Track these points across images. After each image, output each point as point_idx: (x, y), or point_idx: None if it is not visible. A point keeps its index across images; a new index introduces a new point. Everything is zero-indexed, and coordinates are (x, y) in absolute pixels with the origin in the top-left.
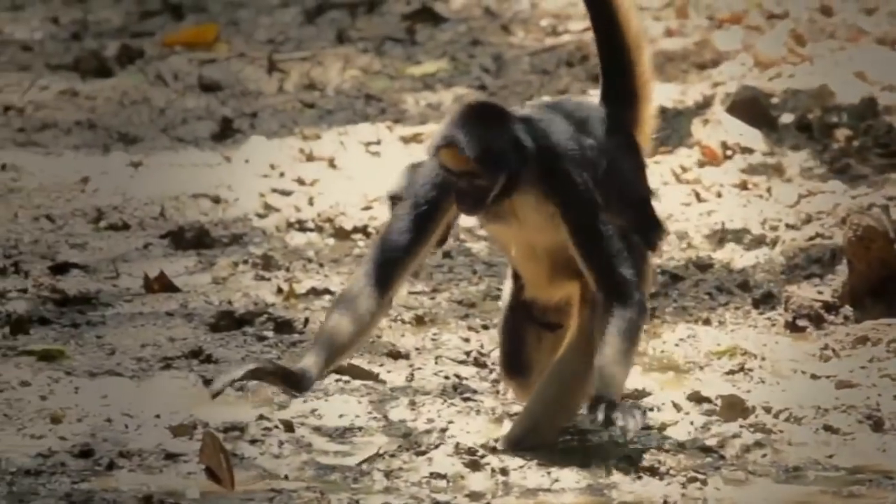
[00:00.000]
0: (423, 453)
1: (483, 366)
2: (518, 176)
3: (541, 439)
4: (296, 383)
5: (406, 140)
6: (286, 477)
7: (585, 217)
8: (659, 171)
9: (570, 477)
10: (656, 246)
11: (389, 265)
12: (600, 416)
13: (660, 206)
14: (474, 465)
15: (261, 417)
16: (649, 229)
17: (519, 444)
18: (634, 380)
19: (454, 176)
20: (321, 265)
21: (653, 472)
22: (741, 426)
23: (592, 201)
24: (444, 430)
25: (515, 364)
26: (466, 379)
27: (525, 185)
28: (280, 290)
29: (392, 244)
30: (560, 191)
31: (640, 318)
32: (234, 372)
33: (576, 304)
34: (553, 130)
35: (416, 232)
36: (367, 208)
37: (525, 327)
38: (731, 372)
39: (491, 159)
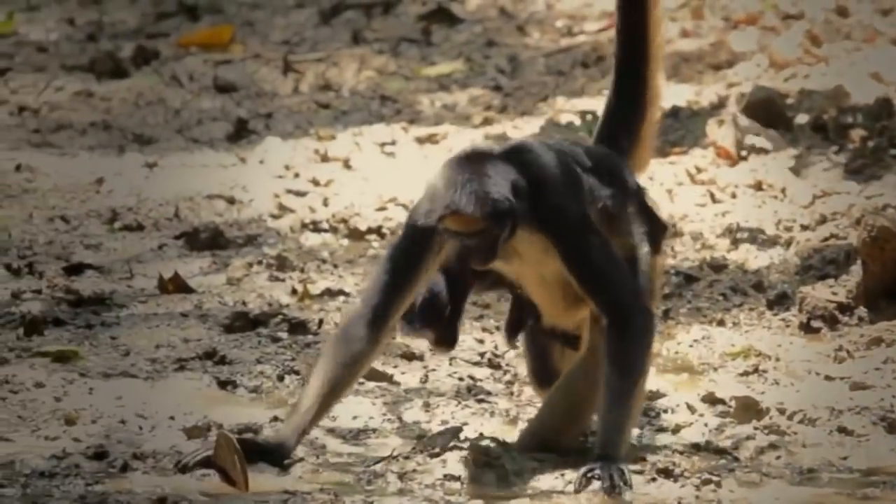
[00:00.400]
0: (437, 455)
1: (497, 367)
2: (518, 216)
3: (548, 450)
4: (274, 457)
5: (421, 141)
6: (300, 478)
7: (578, 247)
8: (673, 171)
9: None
10: (660, 245)
11: (384, 305)
12: (604, 482)
13: (668, 208)
14: (487, 465)
15: (275, 419)
16: (651, 230)
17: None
18: (649, 381)
19: (463, 237)
20: (336, 266)
21: (667, 473)
22: (755, 428)
23: (584, 229)
24: (458, 432)
25: (544, 377)
26: (481, 380)
27: (522, 223)
28: (294, 291)
29: (387, 286)
30: (550, 223)
31: (644, 341)
32: (207, 450)
33: (586, 319)
34: (539, 163)
35: (410, 272)
36: (382, 209)
37: (548, 342)
38: (746, 373)
39: (497, 211)
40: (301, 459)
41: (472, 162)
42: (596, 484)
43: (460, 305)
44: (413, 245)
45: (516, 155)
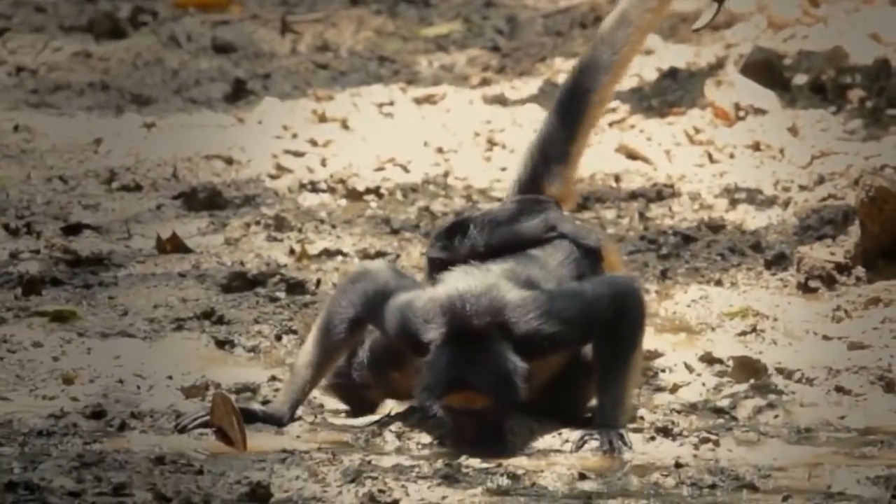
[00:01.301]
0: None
1: None
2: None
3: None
4: (275, 421)
5: (419, 101)
6: (298, 437)
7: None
8: (671, 132)
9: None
10: (600, 252)
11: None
12: (602, 445)
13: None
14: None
15: (273, 378)
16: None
17: None
18: (647, 341)
19: (464, 415)
20: (333, 226)
21: (665, 432)
22: (753, 387)
23: (564, 321)
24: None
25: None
26: None
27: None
28: (292, 251)
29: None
30: (537, 348)
31: (640, 308)
32: (206, 415)
33: None
34: (508, 288)
35: None
36: (380, 169)
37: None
38: (744, 333)
39: (506, 387)
40: (299, 419)
41: (480, 330)
42: (593, 444)
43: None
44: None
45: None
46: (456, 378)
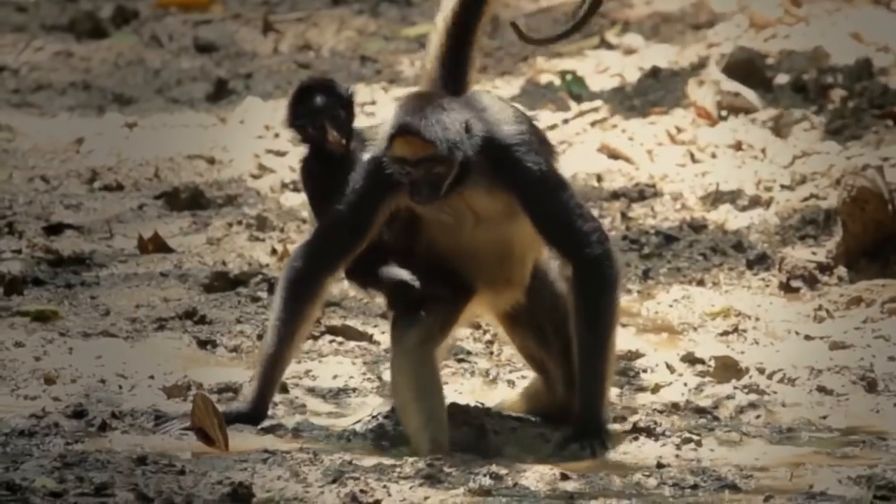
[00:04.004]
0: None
1: (477, 327)
2: (469, 163)
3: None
4: (252, 419)
5: None
6: (280, 437)
7: (544, 202)
8: (653, 131)
9: (563, 437)
10: None
11: (328, 259)
12: (584, 449)
13: (648, 167)
14: (468, 426)
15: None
16: None
17: None
18: (628, 341)
19: (409, 166)
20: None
21: (647, 432)
22: (735, 387)
23: (550, 183)
24: None
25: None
26: (461, 340)
27: (477, 176)
28: (274, 251)
29: (333, 240)
30: (515, 179)
31: (614, 293)
32: (184, 420)
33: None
34: (498, 118)
35: (355, 231)
36: None
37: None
38: (725, 333)
39: (448, 139)
40: (279, 423)
41: (436, 98)
42: (574, 448)
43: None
44: (366, 190)
45: (479, 107)
46: (403, 124)
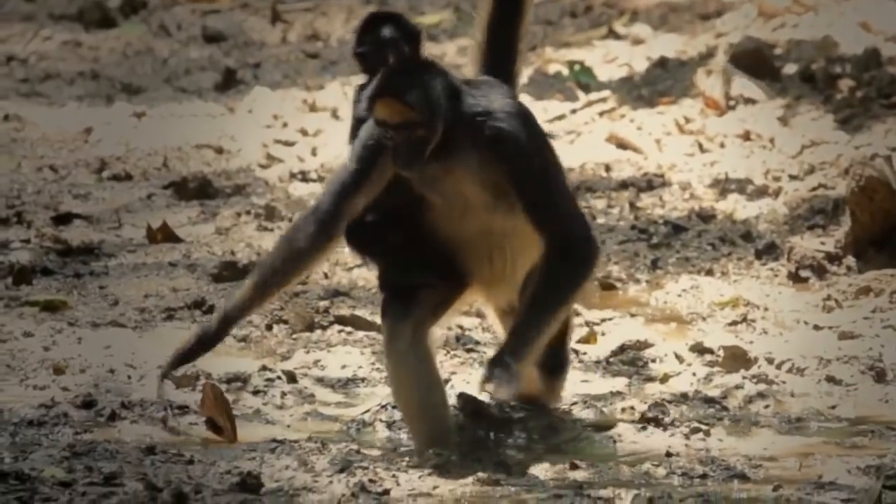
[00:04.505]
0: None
1: (485, 317)
2: (455, 133)
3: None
4: (200, 345)
5: None
6: (289, 427)
7: (533, 180)
8: (662, 121)
9: (572, 427)
10: None
11: (338, 208)
12: (483, 373)
13: (656, 157)
14: (476, 416)
15: (263, 368)
16: None
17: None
18: (637, 331)
19: (391, 129)
20: None
21: (656, 422)
22: (744, 377)
23: (540, 161)
24: (446, 381)
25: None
26: (469, 330)
27: (465, 153)
28: None
29: (343, 187)
30: (504, 154)
31: (585, 272)
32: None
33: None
34: (492, 96)
35: (366, 175)
36: None
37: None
38: (734, 323)
39: (429, 106)
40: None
41: (423, 63)
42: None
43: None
44: (366, 150)
45: (473, 84)
46: (383, 87)
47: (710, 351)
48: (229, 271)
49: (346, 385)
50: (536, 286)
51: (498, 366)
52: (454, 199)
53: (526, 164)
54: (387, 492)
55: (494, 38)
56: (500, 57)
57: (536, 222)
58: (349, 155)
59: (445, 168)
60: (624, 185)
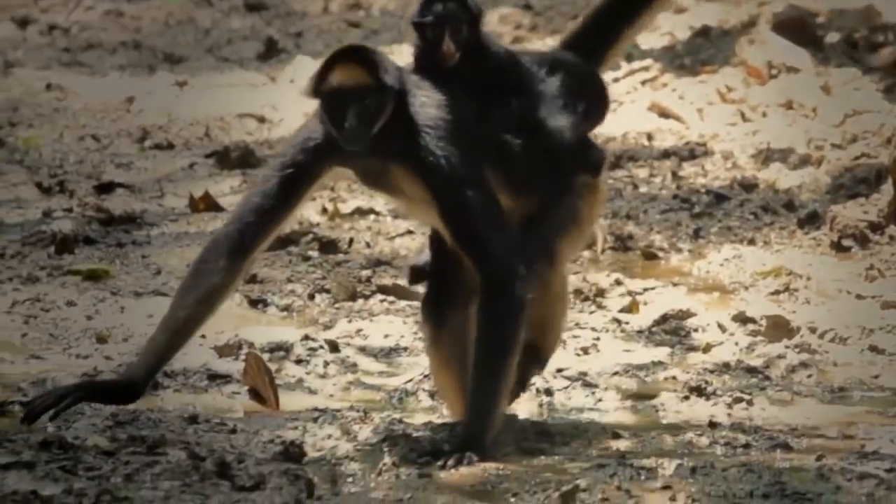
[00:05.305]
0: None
1: None
2: (395, 127)
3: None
4: (123, 397)
5: None
6: (331, 396)
7: (454, 199)
8: (704, 90)
9: (614, 397)
10: (599, 170)
11: (249, 232)
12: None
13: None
14: (519, 385)
15: (306, 338)
16: (590, 157)
17: None
18: (680, 301)
19: (343, 99)
20: None
21: (698, 392)
22: (786, 347)
23: (462, 180)
24: None
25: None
26: None
27: (398, 157)
28: (325, 210)
29: (256, 210)
30: (425, 168)
31: (517, 316)
32: (52, 397)
33: None
34: (426, 101)
35: (281, 199)
36: None
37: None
38: (776, 292)
39: (385, 71)
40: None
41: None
42: (448, 458)
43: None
44: (291, 171)
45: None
46: (344, 50)
47: (753, 320)
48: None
49: (388, 354)
50: (478, 352)
51: (467, 450)
52: (397, 196)
53: (443, 183)
54: (429, 462)
55: (598, 23)
56: (593, 40)
57: (459, 248)
58: (263, 175)
59: (384, 164)
60: (666, 154)
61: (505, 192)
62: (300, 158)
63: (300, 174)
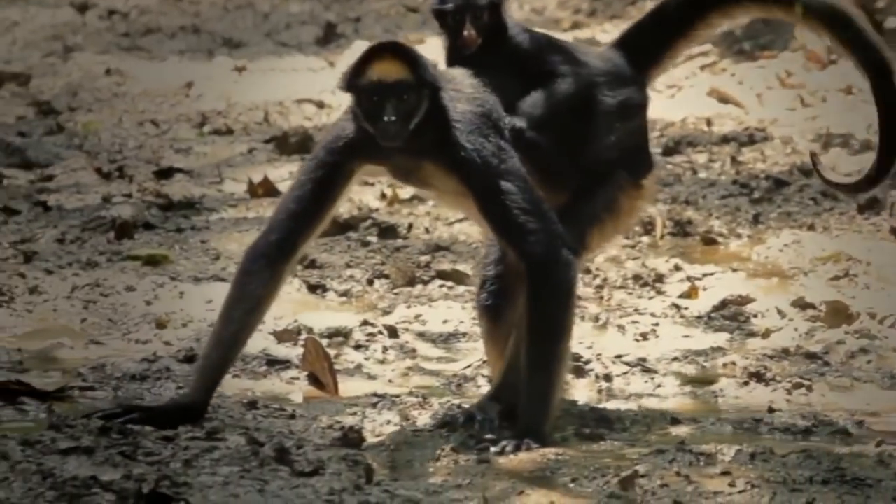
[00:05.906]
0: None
1: (588, 272)
2: (426, 126)
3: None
4: (188, 417)
5: None
6: (390, 382)
7: (491, 191)
8: (763, 75)
9: (673, 383)
10: (642, 178)
11: (288, 237)
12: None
13: (757, 112)
14: (578, 372)
15: (365, 323)
16: (637, 163)
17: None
18: (739, 286)
19: (382, 93)
20: None
21: (758, 378)
22: (846, 332)
23: (496, 172)
24: None
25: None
26: None
27: (430, 153)
28: (384, 196)
29: (292, 216)
30: (459, 162)
31: (566, 300)
32: (119, 410)
33: None
34: (458, 94)
35: (316, 202)
36: None
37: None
38: (836, 278)
39: (424, 67)
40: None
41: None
42: (507, 445)
43: None
44: (324, 172)
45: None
46: (383, 44)
47: (812, 306)
48: (330, 226)
49: (447, 340)
50: (529, 339)
51: (525, 437)
52: (430, 189)
53: (479, 174)
54: (487, 448)
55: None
56: (648, 40)
57: (500, 240)
58: (300, 172)
59: (417, 160)
60: (725, 139)
61: (537, 182)
62: (331, 159)
63: (333, 175)
